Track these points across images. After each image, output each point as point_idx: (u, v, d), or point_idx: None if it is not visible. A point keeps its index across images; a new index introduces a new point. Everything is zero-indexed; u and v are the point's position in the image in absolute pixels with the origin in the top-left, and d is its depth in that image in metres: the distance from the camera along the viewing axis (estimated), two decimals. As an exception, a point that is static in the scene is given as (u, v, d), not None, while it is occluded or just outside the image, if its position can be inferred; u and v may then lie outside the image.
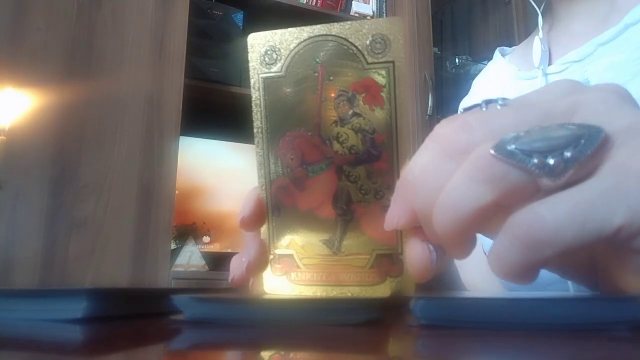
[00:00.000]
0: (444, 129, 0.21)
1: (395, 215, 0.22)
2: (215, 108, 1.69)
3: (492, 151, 0.19)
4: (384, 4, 1.97)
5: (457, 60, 2.16)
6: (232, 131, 1.74)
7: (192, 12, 1.53)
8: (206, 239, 1.61)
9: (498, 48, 0.62)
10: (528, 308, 0.21)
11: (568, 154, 0.18)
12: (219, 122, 1.73)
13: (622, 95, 0.20)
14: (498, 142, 0.19)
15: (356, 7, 1.89)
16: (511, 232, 0.18)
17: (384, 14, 1.96)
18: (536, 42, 0.52)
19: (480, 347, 0.18)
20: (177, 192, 1.43)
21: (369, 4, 1.95)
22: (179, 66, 1.46)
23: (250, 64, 0.25)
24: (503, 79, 0.57)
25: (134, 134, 1.37)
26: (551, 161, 0.18)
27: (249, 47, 0.25)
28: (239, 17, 1.68)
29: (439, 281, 0.44)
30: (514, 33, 2.01)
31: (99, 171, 1.31)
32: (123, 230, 1.31)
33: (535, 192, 0.18)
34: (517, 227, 0.17)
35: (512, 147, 0.18)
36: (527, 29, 2.03)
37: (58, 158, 1.28)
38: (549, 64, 0.51)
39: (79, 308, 0.24)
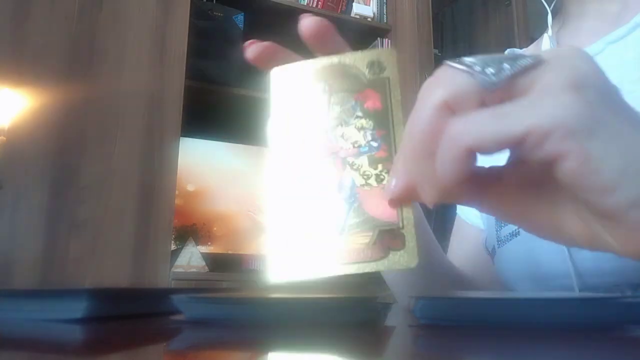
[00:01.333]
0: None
1: (393, 185, 0.24)
2: (216, 109, 1.69)
3: (448, 62, 0.22)
4: (385, 6, 1.97)
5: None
6: (233, 132, 1.74)
7: (193, 14, 1.53)
8: (206, 240, 1.61)
9: (508, 50, 0.62)
10: (528, 308, 0.21)
11: (506, 66, 0.21)
12: (219, 123, 1.73)
13: (581, 52, 0.23)
14: (459, 59, 0.22)
15: (357, 9, 1.89)
16: (450, 126, 0.21)
17: (385, 16, 1.97)
18: (545, 40, 0.52)
19: (480, 347, 0.18)
20: (177, 193, 1.43)
21: (369, 5, 1.95)
22: (180, 67, 1.46)
23: (273, 94, 0.32)
24: None
25: (135, 134, 1.37)
26: (490, 69, 0.21)
27: (272, 80, 0.32)
28: (239, 18, 1.69)
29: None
30: (514, 35, 2.01)
31: (99, 172, 1.31)
32: (123, 231, 1.31)
33: (479, 102, 0.22)
34: (450, 124, 0.21)
35: (465, 60, 0.22)
36: (527, 31, 2.03)
37: (58, 158, 1.28)
38: None
39: (79, 308, 0.24)
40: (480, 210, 0.26)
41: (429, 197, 0.23)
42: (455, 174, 0.21)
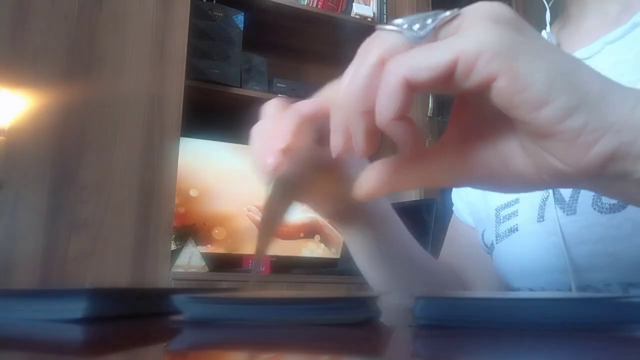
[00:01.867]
0: None
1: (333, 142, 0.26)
2: (216, 109, 1.69)
3: (380, 26, 0.25)
4: (385, 6, 1.97)
5: (457, 62, 2.16)
6: (233, 132, 1.74)
7: (193, 14, 1.53)
8: (206, 240, 1.61)
9: None
10: (528, 308, 0.21)
11: (428, 21, 0.24)
12: (219, 123, 1.73)
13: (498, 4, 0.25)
14: (387, 22, 0.25)
15: (357, 9, 1.90)
16: (388, 63, 0.23)
17: (385, 16, 1.97)
18: (543, 35, 0.52)
19: (480, 347, 0.18)
20: (177, 193, 1.43)
21: (369, 5, 1.95)
22: (180, 67, 1.46)
23: None
24: None
25: (135, 134, 1.37)
26: (416, 26, 0.24)
27: None
28: (239, 18, 1.69)
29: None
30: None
31: (99, 172, 1.31)
32: (123, 231, 1.31)
33: None
34: (388, 62, 0.23)
35: (394, 21, 0.24)
36: (528, 31, 2.03)
37: (58, 158, 1.28)
38: None
39: (79, 308, 0.24)
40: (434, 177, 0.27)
41: (365, 148, 0.25)
42: (396, 105, 0.22)
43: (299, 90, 1.72)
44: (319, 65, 2.08)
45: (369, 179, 0.27)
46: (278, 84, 1.69)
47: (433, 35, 0.24)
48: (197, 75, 1.55)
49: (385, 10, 1.97)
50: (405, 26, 0.24)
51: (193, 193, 1.63)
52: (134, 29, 1.43)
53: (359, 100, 0.24)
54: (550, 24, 0.55)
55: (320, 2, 1.83)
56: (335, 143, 0.26)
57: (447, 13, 0.24)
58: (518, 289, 0.50)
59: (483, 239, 0.53)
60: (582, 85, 0.22)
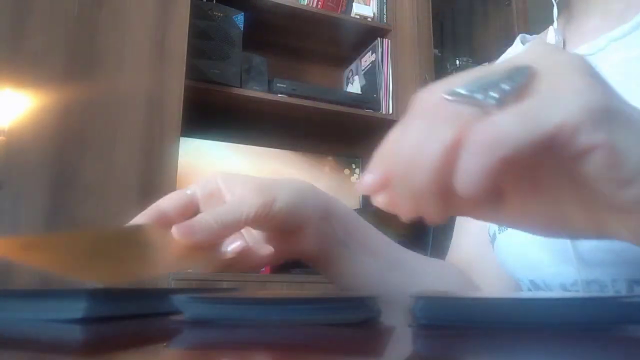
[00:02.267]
0: (415, 99, 0.24)
1: (365, 179, 0.24)
2: (216, 109, 1.69)
3: (445, 96, 0.22)
4: (385, 6, 1.97)
5: (457, 62, 2.16)
6: (233, 132, 1.74)
7: (193, 14, 1.53)
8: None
9: (520, 35, 0.62)
10: (528, 308, 0.21)
11: (506, 86, 0.21)
12: (219, 124, 1.73)
13: (551, 47, 0.24)
14: (448, 89, 0.22)
15: (357, 9, 1.89)
16: (469, 141, 0.20)
17: (385, 16, 1.97)
18: (550, 33, 0.52)
19: (480, 347, 0.18)
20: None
21: (369, 5, 1.95)
22: (180, 67, 1.46)
23: None
24: None
25: (135, 135, 1.37)
26: (493, 93, 0.21)
27: None
28: (239, 18, 1.69)
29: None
30: (514, 35, 2.01)
31: (99, 172, 1.31)
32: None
33: None
34: (475, 134, 0.20)
35: (460, 90, 0.22)
36: (528, 31, 2.03)
37: (58, 159, 1.28)
38: None
39: (79, 308, 0.24)
40: (479, 218, 0.26)
41: (433, 215, 0.22)
42: (487, 181, 0.19)
43: (299, 90, 1.72)
44: (319, 65, 2.08)
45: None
46: (278, 84, 1.69)
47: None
48: (197, 75, 1.55)
49: (385, 10, 1.97)
50: (479, 96, 0.21)
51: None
52: (134, 29, 1.43)
53: (432, 177, 0.21)
54: (552, 17, 0.55)
55: (320, 2, 1.83)
56: (406, 212, 0.23)
57: (523, 72, 0.21)
58: (518, 280, 0.50)
59: (488, 230, 0.53)
60: None
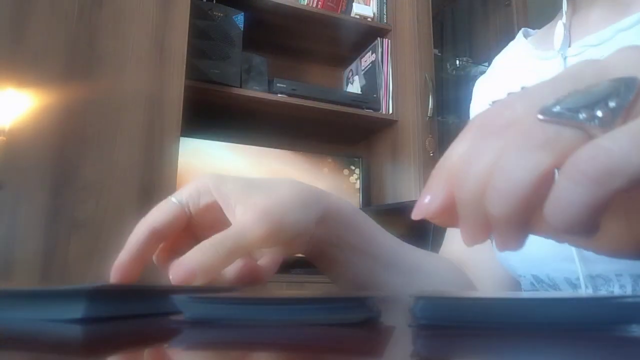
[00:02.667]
0: (479, 115, 0.21)
1: (426, 202, 0.21)
2: (216, 109, 1.69)
3: (539, 116, 0.18)
4: (385, 6, 1.97)
5: (457, 62, 2.16)
6: (233, 132, 1.74)
7: (193, 14, 1.53)
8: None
9: (522, 29, 0.62)
10: (528, 308, 0.21)
11: (612, 104, 0.18)
12: (219, 124, 1.73)
13: None
14: (541, 107, 0.19)
15: (357, 9, 1.89)
16: (574, 169, 0.17)
17: (385, 16, 1.97)
18: (559, 27, 0.52)
19: (480, 347, 0.18)
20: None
21: (369, 5, 1.95)
22: (180, 67, 1.46)
23: None
24: (521, 59, 0.57)
25: (135, 134, 1.37)
26: (599, 113, 0.18)
27: None
28: (239, 18, 1.69)
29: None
30: (514, 35, 2.01)
31: (99, 172, 1.31)
32: (123, 231, 1.30)
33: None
34: (582, 162, 0.17)
35: (557, 108, 0.18)
36: (528, 31, 2.03)
37: (58, 159, 1.28)
38: (568, 47, 0.51)
39: (79, 308, 0.24)
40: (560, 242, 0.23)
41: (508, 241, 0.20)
42: (586, 222, 0.17)
43: (299, 90, 1.72)
44: (319, 65, 2.08)
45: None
46: (278, 84, 1.69)
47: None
48: (197, 75, 1.55)
49: (385, 10, 1.97)
50: (583, 116, 0.18)
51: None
52: (134, 29, 1.43)
53: (519, 208, 0.18)
54: (552, 16, 0.55)
55: (320, 2, 1.83)
56: (474, 238, 0.21)
57: (635, 88, 0.18)
58: (520, 276, 0.49)
59: None
60: None
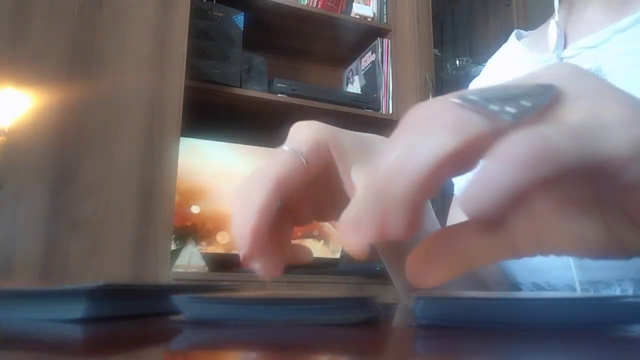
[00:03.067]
0: (404, 117, 0.21)
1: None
2: (216, 109, 1.69)
3: (454, 99, 0.19)
4: (385, 6, 1.97)
5: (457, 62, 2.16)
6: (233, 132, 1.74)
7: (193, 14, 1.53)
8: (206, 240, 1.61)
9: (515, 30, 0.62)
10: (528, 308, 0.21)
11: (526, 103, 0.18)
12: (219, 124, 1.73)
13: (577, 69, 0.21)
14: (459, 94, 0.19)
15: (357, 9, 1.89)
16: (507, 151, 0.17)
17: (385, 16, 1.97)
18: (552, 26, 0.51)
19: (480, 347, 0.18)
20: (177, 193, 1.43)
21: (369, 5, 1.95)
22: (180, 67, 1.46)
23: None
24: (515, 61, 0.57)
25: (135, 134, 1.37)
26: (510, 108, 0.18)
27: None
28: (239, 18, 1.69)
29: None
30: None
31: (99, 172, 1.31)
32: (123, 231, 1.31)
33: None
34: (516, 145, 0.17)
35: (472, 97, 0.19)
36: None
37: (58, 158, 1.28)
38: (564, 48, 0.51)
39: (79, 308, 0.24)
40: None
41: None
42: (501, 208, 0.17)
43: (299, 90, 1.72)
44: (319, 65, 2.08)
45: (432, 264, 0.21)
46: (278, 84, 1.69)
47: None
48: (197, 76, 1.55)
49: (385, 10, 1.97)
50: (495, 108, 0.18)
51: (193, 193, 1.63)
52: (134, 29, 1.43)
53: (418, 187, 0.18)
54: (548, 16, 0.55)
55: (320, 2, 1.83)
56: (365, 236, 0.20)
57: (548, 92, 0.19)
58: (520, 283, 0.49)
59: None
60: None
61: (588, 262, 0.41)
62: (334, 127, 0.31)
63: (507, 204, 0.17)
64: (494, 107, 0.18)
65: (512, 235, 0.21)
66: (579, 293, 0.42)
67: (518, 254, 0.22)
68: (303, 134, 0.30)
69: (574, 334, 0.19)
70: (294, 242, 0.33)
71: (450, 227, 0.21)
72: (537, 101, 0.18)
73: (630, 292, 0.41)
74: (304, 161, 0.29)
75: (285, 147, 0.30)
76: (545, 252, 0.22)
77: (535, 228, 0.21)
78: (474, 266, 0.21)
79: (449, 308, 0.21)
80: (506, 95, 0.19)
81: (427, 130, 0.18)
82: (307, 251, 0.33)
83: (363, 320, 0.22)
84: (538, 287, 0.47)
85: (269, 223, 0.27)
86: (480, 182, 0.17)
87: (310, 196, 0.31)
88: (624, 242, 0.20)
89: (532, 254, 0.22)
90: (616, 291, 0.41)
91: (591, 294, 0.41)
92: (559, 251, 0.21)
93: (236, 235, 0.28)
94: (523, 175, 0.16)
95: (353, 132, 0.32)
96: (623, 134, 0.18)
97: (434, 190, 0.19)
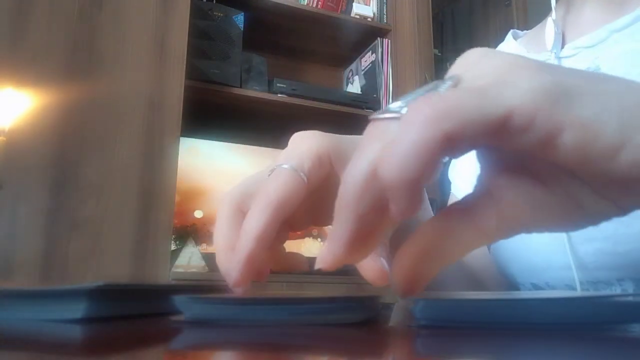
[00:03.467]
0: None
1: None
2: (216, 109, 1.69)
3: (373, 116, 0.21)
4: (385, 6, 1.97)
5: (457, 62, 2.16)
6: (233, 132, 1.74)
7: (193, 14, 1.53)
8: (206, 240, 1.61)
9: (511, 30, 0.61)
10: (528, 308, 0.21)
11: (421, 93, 0.20)
12: (219, 124, 1.73)
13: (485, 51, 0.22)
14: (377, 112, 0.21)
15: (357, 9, 1.89)
16: (410, 112, 0.18)
17: (385, 16, 1.97)
18: (549, 25, 0.51)
19: (480, 347, 0.18)
20: (177, 193, 1.43)
21: (369, 5, 1.95)
22: (180, 67, 1.46)
23: None
24: None
25: (135, 134, 1.37)
26: (403, 102, 0.20)
27: None
28: (239, 18, 1.69)
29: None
30: (514, 35, 2.01)
31: (99, 172, 1.31)
32: (123, 231, 1.31)
33: None
34: (416, 105, 0.18)
35: (387, 108, 0.20)
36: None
37: (58, 158, 1.28)
38: (562, 47, 0.51)
39: (78, 308, 0.24)
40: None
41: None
42: (424, 167, 0.17)
43: (299, 90, 1.72)
44: (319, 65, 2.08)
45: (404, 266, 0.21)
46: (278, 84, 1.69)
47: None
48: (197, 75, 1.55)
49: (385, 10, 1.97)
50: (405, 109, 0.19)
51: (193, 193, 1.63)
52: (134, 29, 1.43)
53: (359, 202, 0.20)
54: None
55: (320, 2, 1.83)
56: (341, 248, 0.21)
57: (448, 80, 0.20)
58: (518, 284, 0.49)
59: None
60: None
61: (588, 262, 0.41)
62: (335, 135, 0.31)
63: (426, 163, 0.17)
64: (405, 110, 0.19)
65: (481, 222, 0.21)
66: (579, 292, 0.42)
67: (491, 239, 0.22)
68: (305, 148, 0.30)
69: (574, 334, 0.19)
70: (288, 251, 0.32)
71: (417, 233, 0.22)
72: (441, 89, 0.20)
73: (630, 291, 0.41)
74: (305, 178, 0.28)
75: (285, 164, 0.29)
76: (516, 232, 0.22)
77: (503, 212, 0.21)
78: (452, 261, 0.21)
79: (449, 309, 0.21)
80: (414, 95, 0.20)
81: (360, 150, 0.20)
82: (302, 259, 0.33)
83: (362, 320, 0.22)
84: (537, 287, 0.47)
85: (266, 248, 0.27)
86: (393, 147, 0.18)
87: (308, 204, 0.31)
88: (589, 209, 0.21)
89: (505, 236, 0.22)
90: (616, 290, 0.41)
91: (592, 292, 0.41)
92: (530, 229, 0.22)
93: (227, 261, 0.27)
94: (429, 131, 0.17)
95: (353, 138, 0.32)
96: (525, 84, 0.18)
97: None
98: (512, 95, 0.18)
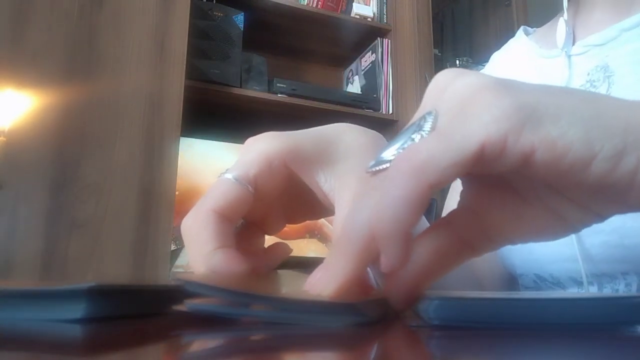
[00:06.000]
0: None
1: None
2: (216, 109, 1.69)
3: (365, 171, 0.22)
4: (385, 6, 1.97)
5: (457, 62, 2.16)
6: (233, 132, 1.74)
7: (193, 14, 1.53)
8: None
9: (522, 26, 0.62)
10: (535, 308, 0.21)
11: (416, 136, 0.21)
12: (219, 123, 1.73)
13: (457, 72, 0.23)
14: (367, 165, 0.23)
15: (357, 9, 1.89)
16: (391, 170, 0.20)
17: (385, 16, 1.97)
18: (561, 24, 0.52)
19: (482, 348, 0.18)
20: (177, 193, 1.43)
21: (369, 5, 1.95)
22: (180, 67, 1.46)
23: None
24: (523, 56, 0.57)
25: (135, 134, 1.37)
26: (407, 146, 0.21)
27: None
28: (239, 18, 1.69)
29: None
30: (514, 35, 2.01)
31: (99, 172, 1.31)
32: (123, 231, 1.31)
33: None
34: (397, 162, 0.20)
35: (375, 161, 0.22)
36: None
37: (58, 159, 1.28)
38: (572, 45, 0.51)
39: (78, 308, 0.24)
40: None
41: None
42: (413, 217, 0.19)
43: (299, 90, 1.72)
44: (319, 65, 2.08)
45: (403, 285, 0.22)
46: (278, 84, 1.69)
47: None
48: (197, 75, 1.55)
49: (385, 10, 1.97)
50: (393, 156, 0.21)
51: (193, 193, 1.63)
52: (134, 29, 1.43)
53: (359, 241, 0.21)
54: (552, 16, 0.55)
55: (320, 2, 1.83)
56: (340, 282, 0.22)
57: (429, 116, 0.21)
58: (520, 275, 0.49)
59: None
60: (613, 120, 0.20)
61: (593, 255, 0.41)
62: (290, 133, 0.30)
63: (413, 213, 0.19)
64: (393, 158, 0.21)
65: (467, 238, 0.23)
66: (586, 293, 0.42)
67: (478, 253, 0.24)
68: (254, 155, 0.30)
69: (576, 334, 0.19)
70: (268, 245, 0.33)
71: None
72: (425, 129, 0.21)
73: (634, 285, 0.41)
74: (249, 187, 0.29)
75: (228, 174, 0.30)
76: (499, 245, 0.24)
77: (485, 227, 0.23)
78: (442, 275, 0.23)
79: (452, 308, 0.21)
80: (399, 141, 0.21)
81: (358, 203, 0.22)
82: (284, 247, 0.33)
83: (362, 321, 0.22)
84: (540, 279, 0.47)
85: (206, 254, 0.27)
86: (383, 204, 0.19)
87: (276, 205, 0.32)
88: (569, 219, 0.22)
89: (491, 249, 0.24)
90: (620, 284, 0.41)
91: (597, 294, 0.41)
92: (512, 241, 0.24)
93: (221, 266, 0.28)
94: (412, 186, 0.19)
95: (313, 131, 0.31)
96: (488, 115, 0.19)
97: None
98: (479, 129, 0.19)
